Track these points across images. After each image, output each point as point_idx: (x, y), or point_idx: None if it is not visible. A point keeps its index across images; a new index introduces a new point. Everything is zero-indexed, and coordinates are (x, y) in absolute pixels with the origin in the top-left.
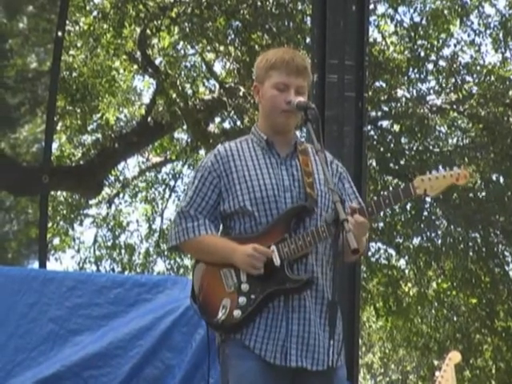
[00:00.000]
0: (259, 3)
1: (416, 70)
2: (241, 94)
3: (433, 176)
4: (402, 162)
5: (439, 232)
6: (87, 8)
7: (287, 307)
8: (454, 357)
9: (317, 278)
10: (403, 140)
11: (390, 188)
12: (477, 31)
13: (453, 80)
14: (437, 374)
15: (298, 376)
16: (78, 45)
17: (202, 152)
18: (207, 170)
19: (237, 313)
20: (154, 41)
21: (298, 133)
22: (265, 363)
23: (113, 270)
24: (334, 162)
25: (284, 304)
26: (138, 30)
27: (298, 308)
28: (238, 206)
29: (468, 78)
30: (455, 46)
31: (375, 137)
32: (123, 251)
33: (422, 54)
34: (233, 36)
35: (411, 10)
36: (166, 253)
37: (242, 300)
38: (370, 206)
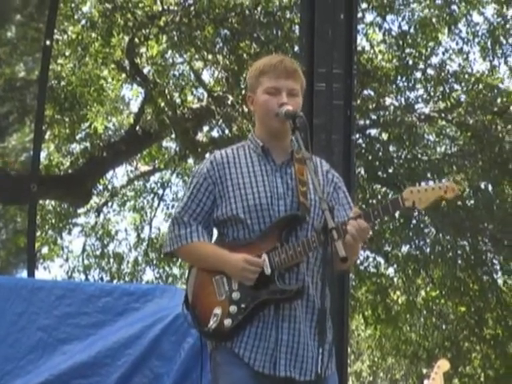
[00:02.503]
0: (247, 12)
1: (404, 79)
2: (229, 102)
3: (421, 188)
4: (390, 171)
5: (428, 240)
6: (75, 17)
7: (277, 316)
8: (443, 365)
9: (307, 287)
10: (391, 148)
11: (379, 196)
12: (465, 39)
13: (441, 88)
14: (426, 382)
15: None
16: (67, 54)
17: (190, 161)
18: (203, 177)
19: (227, 322)
20: (143, 49)
21: None
22: (254, 372)
23: (101, 278)
24: (330, 172)
25: (274, 313)
26: (127, 38)
27: (288, 317)
28: (231, 214)
29: (456, 87)
30: (443, 54)
31: (363, 145)
32: (112, 260)
33: (411, 62)
34: (221, 44)
35: (399, 19)
36: (154, 262)
37: (233, 309)
38: (360, 219)
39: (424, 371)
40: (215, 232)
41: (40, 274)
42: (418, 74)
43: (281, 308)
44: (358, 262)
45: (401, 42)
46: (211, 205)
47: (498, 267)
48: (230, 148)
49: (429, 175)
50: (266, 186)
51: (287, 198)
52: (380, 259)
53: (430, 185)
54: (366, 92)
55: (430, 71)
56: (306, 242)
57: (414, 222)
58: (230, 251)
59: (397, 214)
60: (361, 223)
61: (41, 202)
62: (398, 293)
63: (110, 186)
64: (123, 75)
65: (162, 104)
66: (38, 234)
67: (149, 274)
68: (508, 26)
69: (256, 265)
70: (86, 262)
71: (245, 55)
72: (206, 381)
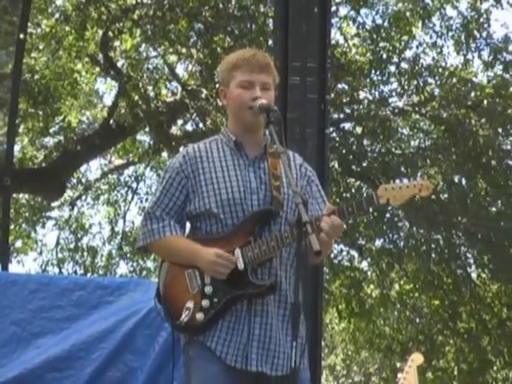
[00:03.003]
0: (221, 5)
1: (378, 72)
2: (203, 96)
3: (396, 186)
4: (364, 164)
5: (402, 234)
6: (49, 10)
7: (250, 311)
8: (417, 358)
9: (280, 282)
10: (365, 142)
11: (353, 190)
12: (439, 33)
13: (415, 82)
14: (399, 375)
15: (259, 381)
16: (40, 47)
17: (164, 154)
18: (175, 171)
19: (199, 316)
20: (116, 43)
21: None
22: (226, 366)
23: (75, 272)
24: (303, 166)
25: (247, 308)
26: (100, 32)
27: (260, 312)
28: (204, 208)
29: (430, 80)
30: (417, 48)
31: (337, 139)
32: (86, 254)
33: (384, 56)
34: (195, 38)
35: (373, 13)
36: (128, 255)
37: (206, 303)
38: (334, 215)
39: (398, 365)
40: (188, 226)
41: (14, 267)
42: (392, 68)
43: (253, 303)
44: (332, 255)
45: (375, 36)
46: (184, 199)
47: (472, 261)
48: (203, 142)
49: (402, 169)
50: (238, 180)
51: (260, 192)
52: (354, 253)
53: (404, 182)
54: (339, 86)
55: (403, 65)
56: (280, 236)
57: (388, 215)
58: (202, 245)
59: (371, 208)
60: (334, 220)
61: (14, 195)
62: (372, 286)
63: (83, 180)
64: (97, 69)
65: (136, 98)
66: (12, 227)
67: (123, 268)
68: (482, 19)
69: (228, 260)
70: (59, 255)
71: (219, 49)
72: (178, 375)
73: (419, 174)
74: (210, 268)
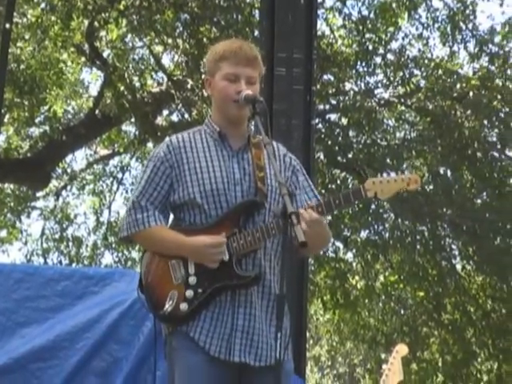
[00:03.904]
0: None
1: (364, 64)
2: (189, 86)
3: (384, 179)
4: (349, 156)
5: (387, 225)
6: (35, 0)
7: (234, 302)
8: (401, 350)
9: (264, 272)
10: (351, 133)
11: (338, 181)
12: (425, 25)
13: (401, 73)
14: (384, 366)
15: (243, 371)
16: (26, 37)
17: (149, 145)
18: (160, 160)
19: (183, 306)
20: (102, 33)
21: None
22: (209, 356)
23: (60, 262)
24: (287, 155)
25: (231, 299)
26: (86, 22)
27: (244, 303)
28: (188, 198)
29: (416, 72)
30: (403, 39)
31: (323, 130)
32: (71, 244)
33: (370, 47)
34: (181, 29)
35: (359, 4)
36: (113, 245)
37: (190, 293)
38: (320, 207)
39: (382, 356)
40: (171, 217)
41: None
42: (378, 59)
43: (237, 293)
44: None
45: (361, 27)
46: (168, 188)
47: (457, 252)
48: (187, 132)
49: (388, 160)
50: (222, 171)
51: (244, 183)
52: (339, 244)
53: (392, 176)
54: (325, 77)
55: (389, 56)
56: (265, 227)
57: (373, 207)
58: (186, 236)
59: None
60: (312, 215)
61: (0, 185)
62: (357, 278)
63: (69, 170)
64: (83, 59)
65: (122, 88)
66: None
67: (108, 258)
68: (468, 11)
69: (218, 246)
70: (44, 245)
71: (205, 39)
72: (161, 364)
73: (405, 167)
74: (200, 258)
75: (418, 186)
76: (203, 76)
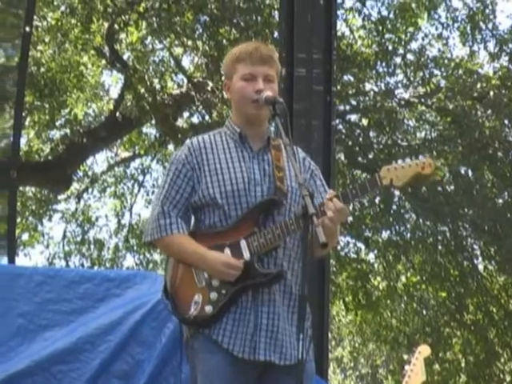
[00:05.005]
0: None
1: (384, 64)
2: (209, 88)
3: (398, 165)
4: (370, 156)
5: (408, 226)
6: (55, 3)
7: (257, 301)
8: (424, 350)
9: (285, 272)
10: (371, 134)
11: (359, 182)
12: (444, 25)
13: (421, 73)
14: (406, 367)
15: (267, 370)
16: (46, 40)
17: (170, 147)
18: (181, 163)
19: (208, 308)
20: (122, 36)
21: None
22: (233, 357)
23: (82, 265)
24: (306, 159)
25: (253, 298)
26: (106, 24)
27: (267, 302)
28: (209, 198)
29: (436, 72)
30: (423, 39)
31: (343, 131)
32: (92, 246)
33: (390, 47)
34: (201, 30)
35: (379, 4)
36: (135, 248)
37: (214, 295)
38: (338, 198)
39: (405, 357)
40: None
41: (21, 260)
42: (398, 60)
43: (260, 293)
44: (339, 247)
45: (380, 28)
46: (190, 191)
47: (479, 252)
48: (207, 134)
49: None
50: (243, 171)
51: (264, 184)
52: (360, 245)
53: (406, 162)
54: (345, 77)
55: (409, 56)
56: (284, 224)
57: (395, 207)
58: (208, 239)
59: (377, 200)
60: (337, 204)
61: (21, 188)
62: (379, 278)
63: (90, 173)
64: (103, 61)
65: (142, 90)
66: (19, 220)
67: (129, 260)
68: (487, 11)
69: (235, 268)
70: (66, 248)
71: (224, 41)
72: (185, 367)
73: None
74: (217, 275)
75: (432, 170)
76: (223, 78)
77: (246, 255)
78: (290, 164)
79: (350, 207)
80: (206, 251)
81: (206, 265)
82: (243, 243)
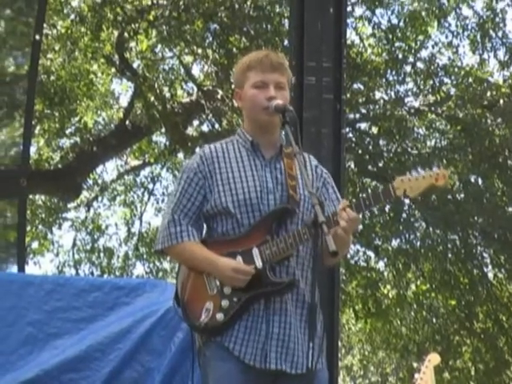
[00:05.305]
0: (237, 6)
1: (394, 72)
2: (219, 96)
3: (412, 177)
4: (380, 164)
5: (418, 234)
6: (65, 11)
7: (268, 310)
8: (434, 358)
9: (298, 280)
10: (381, 142)
11: (369, 190)
12: (454, 33)
13: (431, 82)
14: (416, 375)
15: (278, 379)
16: (56, 48)
17: (180, 155)
18: (193, 171)
19: (219, 316)
20: (132, 44)
21: None
22: (244, 365)
23: (92, 273)
24: (318, 167)
25: (265, 307)
26: (116, 33)
27: (279, 311)
28: (221, 207)
29: (446, 80)
30: (433, 47)
31: (353, 139)
32: (102, 255)
33: (400, 55)
34: (211, 39)
35: (389, 12)
36: (144, 256)
37: (225, 303)
38: (351, 208)
39: (414, 365)
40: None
41: (30, 268)
42: (408, 68)
43: (271, 301)
44: (349, 256)
45: (390, 36)
46: (202, 199)
47: (488, 260)
48: (219, 143)
49: (419, 169)
50: (255, 180)
51: (277, 192)
52: (370, 253)
53: (420, 173)
54: (355, 86)
55: (419, 65)
56: (297, 233)
57: (404, 215)
58: (220, 246)
59: (387, 208)
60: (350, 213)
61: (31, 196)
62: (389, 287)
63: (100, 181)
64: (113, 69)
65: (152, 98)
66: (28, 228)
67: (139, 269)
68: (497, 19)
69: (245, 273)
70: (76, 256)
71: (234, 49)
72: (196, 375)
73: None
74: (227, 281)
75: (446, 181)
76: (233, 86)
77: (258, 263)
78: (301, 172)
79: (360, 215)
80: (218, 257)
81: (217, 270)
82: (255, 251)
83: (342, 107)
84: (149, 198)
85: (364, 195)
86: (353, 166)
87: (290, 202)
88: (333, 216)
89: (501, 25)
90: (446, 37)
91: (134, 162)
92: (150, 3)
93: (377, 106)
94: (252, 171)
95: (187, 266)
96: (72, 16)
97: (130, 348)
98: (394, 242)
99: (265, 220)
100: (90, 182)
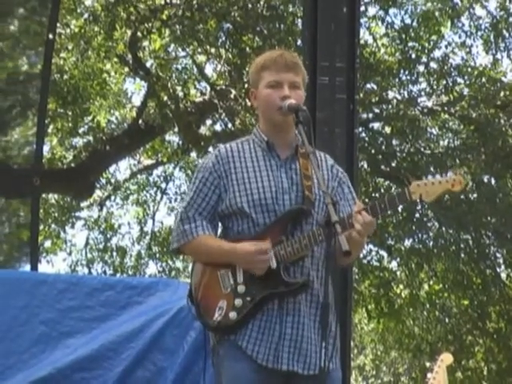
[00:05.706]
0: (250, 5)
1: (407, 72)
2: (232, 96)
3: (428, 181)
4: (393, 164)
5: (431, 234)
6: (78, 10)
7: (281, 310)
8: (446, 358)
9: (312, 281)
10: (394, 142)
11: (382, 190)
12: (468, 33)
13: (444, 82)
14: (429, 375)
15: (290, 379)
16: (69, 47)
17: (193, 154)
18: (208, 171)
19: (232, 314)
20: (145, 43)
21: None
22: (256, 365)
23: (104, 272)
24: (334, 167)
25: (278, 307)
26: (129, 32)
27: (292, 311)
28: (236, 207)
29: (459, 80)
30: (446, 47)
31: (366, 139)
32: (115, 254)
33: (413, 55)
34: (224, 38)
35: (402, 12)
36: (157, 255)
37: (238, 302)
38: (366, 211)
39: (427, 365)
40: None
41: (43, 267)
42: (421, 68)
43: (285, 302)
44: (361, 255)
45: (403, 36)
46: (217, 199)
47: (501, 260)
48: (235, 142)
49: (432, 169)
50: (270, 180)
51: (292, 192)
52: (383, 253)
53: (437, 178)
54: (368, 85)
55: (432, 65)
56: (312, 234)
57: (417, 215)
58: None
59: (400, 208)
60: (365, 217)
61: (44, 195)
62: (401, 286)
63: (112, 180)
64: (126, 69)
65: (165, 98)
66: (41, 227)
67: (152, 268)
68: (511, 19)
69: (263, 252)
70: (89, 255)
71: (247, 49)
72: (208, 374)
73: (450, 170)
74: (248, 265)
75: (462, 187)
76: (246, 87)
77: (273, 263)
78: (315, 172)
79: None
80: (235, 245)
81: (236, 257)
82: (270, 251)
83: (355, 107)
84: (161, 198)
85: (379, 199)
86: (366, 165)
87: (305, 202)
88: (348, 218)
89: None
90: (460, 37)
91: (147, 162)
92: (163, 2)
93: (390, 106)
94: (267, 171)
95: (205, 260)
96: (85, 15)
97: (143, 347)
98: (407, 242)
99: (280, 220)
100: (103, 181)
